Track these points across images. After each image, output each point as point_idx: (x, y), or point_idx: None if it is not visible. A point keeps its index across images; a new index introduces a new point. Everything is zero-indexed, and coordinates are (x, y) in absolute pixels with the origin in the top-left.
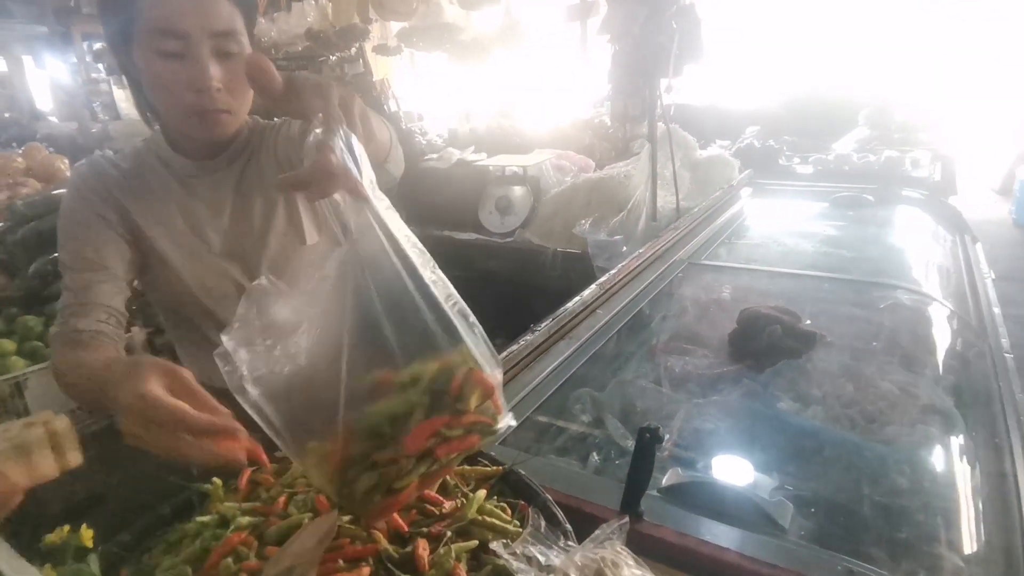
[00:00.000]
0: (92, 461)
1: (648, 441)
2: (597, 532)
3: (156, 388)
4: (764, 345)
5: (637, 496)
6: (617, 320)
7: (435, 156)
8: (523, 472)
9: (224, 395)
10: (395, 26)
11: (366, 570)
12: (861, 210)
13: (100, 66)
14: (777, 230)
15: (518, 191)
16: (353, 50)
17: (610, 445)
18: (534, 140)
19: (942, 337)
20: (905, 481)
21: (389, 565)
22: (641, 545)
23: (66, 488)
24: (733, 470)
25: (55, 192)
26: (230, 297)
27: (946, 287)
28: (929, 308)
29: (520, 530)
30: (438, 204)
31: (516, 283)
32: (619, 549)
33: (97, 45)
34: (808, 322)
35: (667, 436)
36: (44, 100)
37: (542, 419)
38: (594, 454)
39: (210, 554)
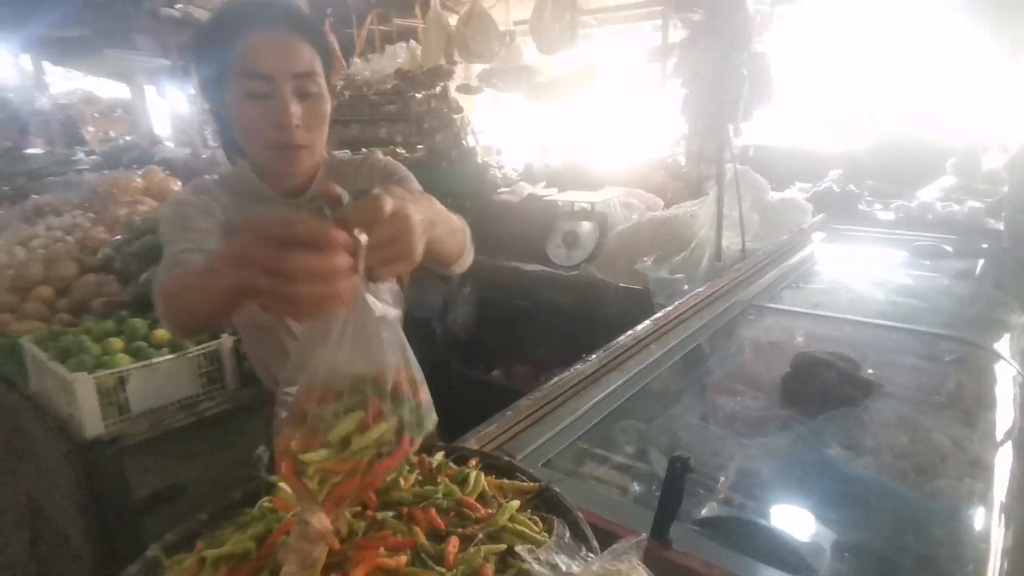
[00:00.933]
0: (178, 455)
1: (679, 470)
2: (615, 546)
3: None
4: (817, 390)
5: (666, 523)
6: (670, 356)
7: (508, 190)
8: (558, 491)
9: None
10: (477, 67)
11: (403, 558)
12: (939, 260)
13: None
14: (848, 276)
15: (585, 226)
16: (438, 89)
17: (651, 477)
18: (606, 177)
19: (1004, 396)
20: (943, 533)
21: (424, 557)
22: (668, 572)
23: (156, 477)
24: (771, 510)
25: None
26: None
27: (1014, 346)
28: (995, 365)
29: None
30: (508, 236)
31: (578, 316)
32: (636, 564)
33: None
34: (870, 371)
35: (722, 478)
36: (163, 127)
37: (586, 446)
38: (635, 484)
39: (271, 533)
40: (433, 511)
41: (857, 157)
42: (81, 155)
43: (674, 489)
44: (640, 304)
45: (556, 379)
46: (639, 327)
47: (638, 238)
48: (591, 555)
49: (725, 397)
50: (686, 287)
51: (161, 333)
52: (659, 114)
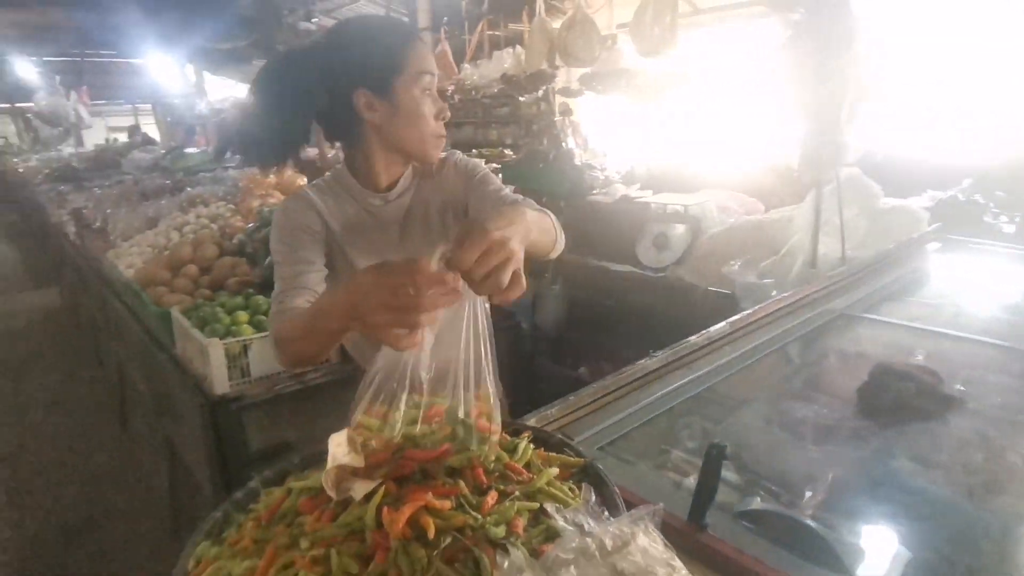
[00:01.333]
0: (286, 417)
1: (715, 457)
2: (633, 511)
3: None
4: (892, 402)
5: (702, 508)
6: (743, 360)
7: (602, 191)
8: (601, 468)
9: None
10: (577, 71)
11: (448, 503)
12: None
13: None
14: (956, 290)
15: (677, 228)
16: (541, 92)
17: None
18: (710, 180)
19: None
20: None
21: (464, 504)
22: (701, 555)
23: (268, 434)
24: (820, 512)
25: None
26: None
27: None
28: None
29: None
30: (599, 236)
31: (665, 317)
32: (651, 529)
33: None
34: (959, 387)
35: (795, 497)
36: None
37: (645, 437)
38: (692, 477)
39: None
40: (480, 470)
41: (991, 168)
42: (228, 153)
43: (710, 475)
44: (726, 308)
45: (620, 371)
46: (712, 328)
47: (730, 242)
48: (611, 518)
49: (797, 403)
50: (774, 293)
51: None
52: (770, 116)
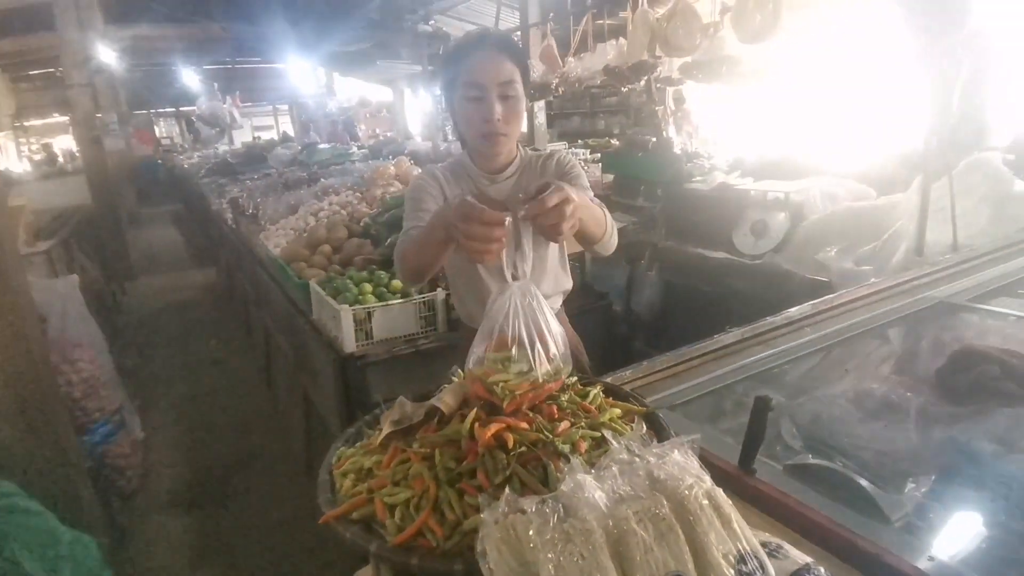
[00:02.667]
0: (401, 375)
1: (761, 408)
2: (673, 439)
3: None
4: (972, 383)
5: (751, 455)
6: (827, 340)
7: (700, 178)
8: (661, 415)
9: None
10: (678, 60)
11: (526, 424)
12: None
13: None
14: None
15: (777, 215)
16: (642, 82)
17: (777, 441)
18: (819, 167)
19: None
20: None
21: (540, 428)
22: (749, 496)
23: (386, 388)
24: (871, 474)
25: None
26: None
27: None
28: None
29: None
30: (696, 223)
31: (761, 304)
32: (689, 454)
33: None
34: None
35: (851, 462)
36: (415, 124)
37: (715, 403)
38: None
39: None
40: (555, 407)
41: None
42: (355, 148)
43: (757, 424)
44: (823, 295)
45: (696, 343)
46: (792, 309)
47: (830, 228)
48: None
49: (875, 383)
50: (873, 280)
51: (396, 284)
52: (888, 100)
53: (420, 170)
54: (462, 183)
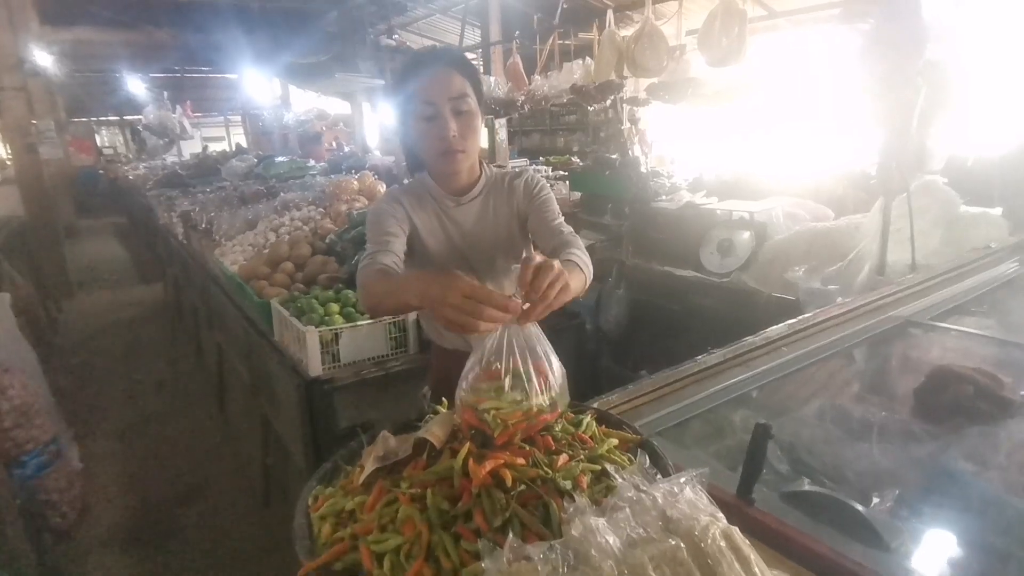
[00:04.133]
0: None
1: (760, 435)
2: (681, 473)
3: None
4: (949, 403)
5: (749, 483)
6: (801, 361)
7: (667, 198)
8: (656, 444)
9: (451, 354)
10: (645, 80)
11: (522, 460)
12: None
13: None
14: None
15: (742, 234)
16: (608, 102)
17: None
18: (779, 187)
19: None
20: None
21: (537, 463)
22: (749, 526)
23: (354, 413)
24: (863, 497)
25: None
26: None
27: None
28: None
29: None
30: (663, 241)
31: (727, 322)
32: (698, 489)
33: None
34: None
35: (841, 486)
36: (373, 138)
37: (701, 426)
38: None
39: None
40: (550, 438)
41: None
42: (312, 162)
43: (757, 452)
44: (790, 314)
45: (679, 366)
46: (772, 329)
47: (795, 248)
48: (661, 479)
49: (853, 403)
50: (839, 299)
51: None
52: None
53: (384, 186)
54: (426, 206)
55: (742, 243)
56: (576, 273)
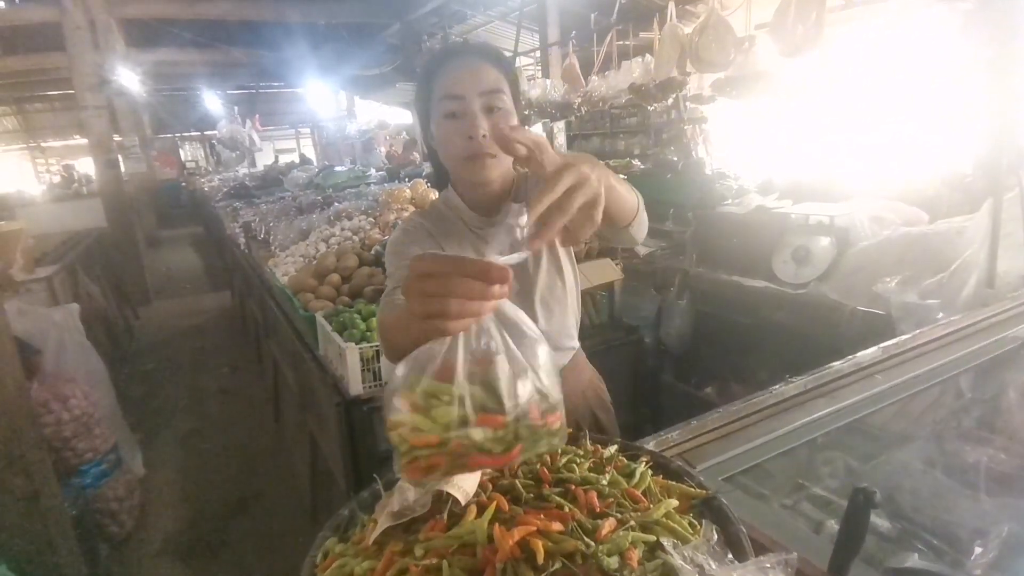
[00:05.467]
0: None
1: (862, 504)
2: (762, 558)
3: None
4: None
5: (846, 560)
6: (900, 390)
7: (735, 201)
8: (725, 502)
9: None
10: (709, 76)
11: (560, 526)
12: None
13: None
14: None
15: (820, 241)
16: (670, 100)
17: None
18: (860, 189)
19: None
20: None
21: (578, 529)
22: None
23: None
24: (989, 573)
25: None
26: None
27: None
28: None
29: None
30: (731, 249)
31: (804, 338)
32: None
33: None
34: None
35: (959, 555)
36: None
37: (778, 470)
38: (831, 521)
39: None
40: (594, 494)
41: None
42: (372, 171)
43: (855, 524)
44: (879, 331)
45: (751, 397)
46: (861, 353)
47: (884, 256)
48: (735, 562)
49: (967, 444)
50: (940, 315)
51: None
52: (936, 118)
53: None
54: (455, 230)
55: (821, 250)
56: (613, 178)
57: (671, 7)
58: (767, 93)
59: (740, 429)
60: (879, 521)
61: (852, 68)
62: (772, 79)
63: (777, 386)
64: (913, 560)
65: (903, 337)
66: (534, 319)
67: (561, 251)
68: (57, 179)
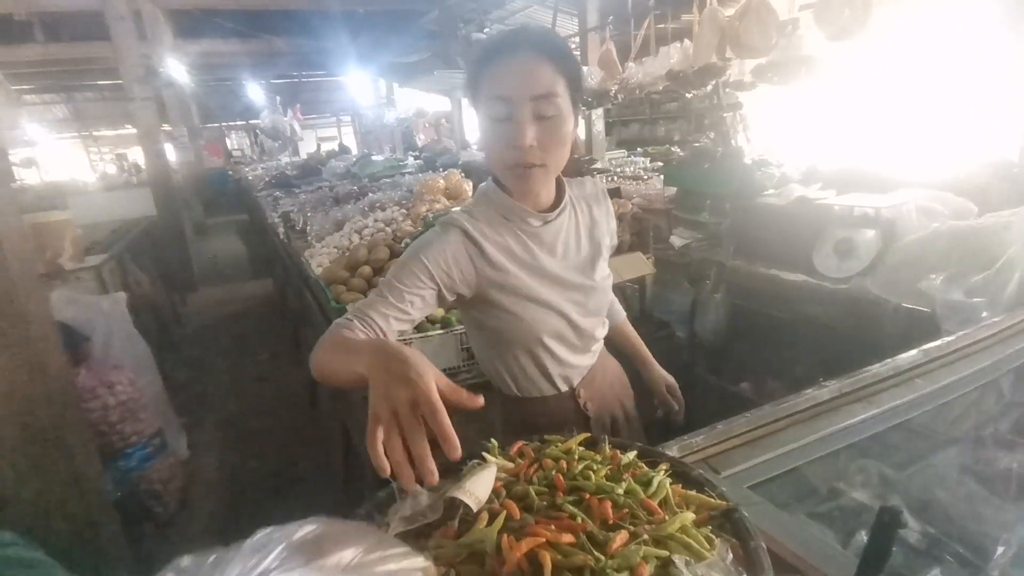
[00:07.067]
0: None
1: (887, 523)
2: None
3: (434, 382)
4: None
5: None
6: (941, 395)
7: (775, 191)
8: (746, 515)
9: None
10: (750, 62)
11: (570, 537)
12: None
13: None
14: None
15: (865, 234)
16: (709, 87)
17: None
18: (908, 179)
19: None
20: None
21: (588, 542)
22: None
23: None
24: None
25: (453, 209)
26: (559, 314)
27: None
28: None
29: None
30: (769, 241)
31: (845, 335)
32: None
33: None
34: None
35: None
36: (472, 133)
37: (807, 479)
38: (862, 532)
39: None
40: (609, 504)
41: None
42: (410, 159)
43: (880, 543)
44: (923, 329)
45: (782, 401)
46: (902, 356)
47: (930, 251)
48: None
49: (1004, 452)
50: (984, 314)
51: (439, 311)
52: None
53: (471, 185)
54: (504, 227)
55: (865, 243)
56: None
57: None
58: (811, 78)
59: (769, 434)
60: (909, 531)
61: (901, 52)
62: (817, 64)
63: (810, 390)
64: (935, 575)
65: (944, 340)
66: (568, 313)
67: (605, 247)
68: (112, 169)
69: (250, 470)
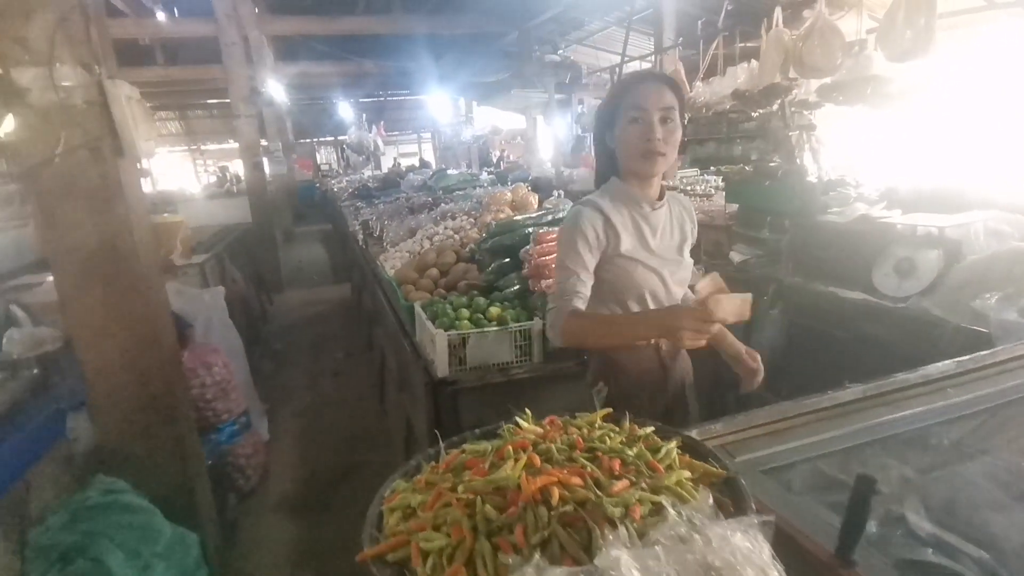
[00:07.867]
0: (492, 405)
1: (863, 490)
2: (742, 517)
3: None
4: None
5: (851, 543)
6: (975, 404)
7: (837, 210)
8: (743, 482)
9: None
10: (816, 82)
11: (577, 480)
12: None
13: (578, 127)
14: None
15: (928, 254)
16: (775, 106)
17: (899, 524)
18: (982, 199)
19: None
20: None
21: (592, 485)
22: None
23: (476, 417)
24: None
25: (517, 218)
26: (658, 276)
27: None
28: None
29: None
30: (829, 259)
31: (902, 355)
32: (757, 537)
33: (579, 108)
34: None
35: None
36: (547, 150)
37: (821, 470)
38: (872, 524)
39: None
40: (618, 461)
41: None
42: (484, 174)
43: (858, 509)
44: (978, 349)
45: (804, 399)
46: (935, 365)
47: (991, 272)
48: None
49: None
50: None
51: (495, 311)
52: None
53: (536, 198)
54: (624, 208)
55: (927, 263)
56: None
57: (778, 12)
58: (878, 98)
59: (788, 428)
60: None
61: (968, 73)
62: (884, 84)
63: (833, 391)
64: (927, 555)
65: (982, 352)
66: (665, 277)
67: (689, 236)
68: (214, 179)
69: (322, 455)
